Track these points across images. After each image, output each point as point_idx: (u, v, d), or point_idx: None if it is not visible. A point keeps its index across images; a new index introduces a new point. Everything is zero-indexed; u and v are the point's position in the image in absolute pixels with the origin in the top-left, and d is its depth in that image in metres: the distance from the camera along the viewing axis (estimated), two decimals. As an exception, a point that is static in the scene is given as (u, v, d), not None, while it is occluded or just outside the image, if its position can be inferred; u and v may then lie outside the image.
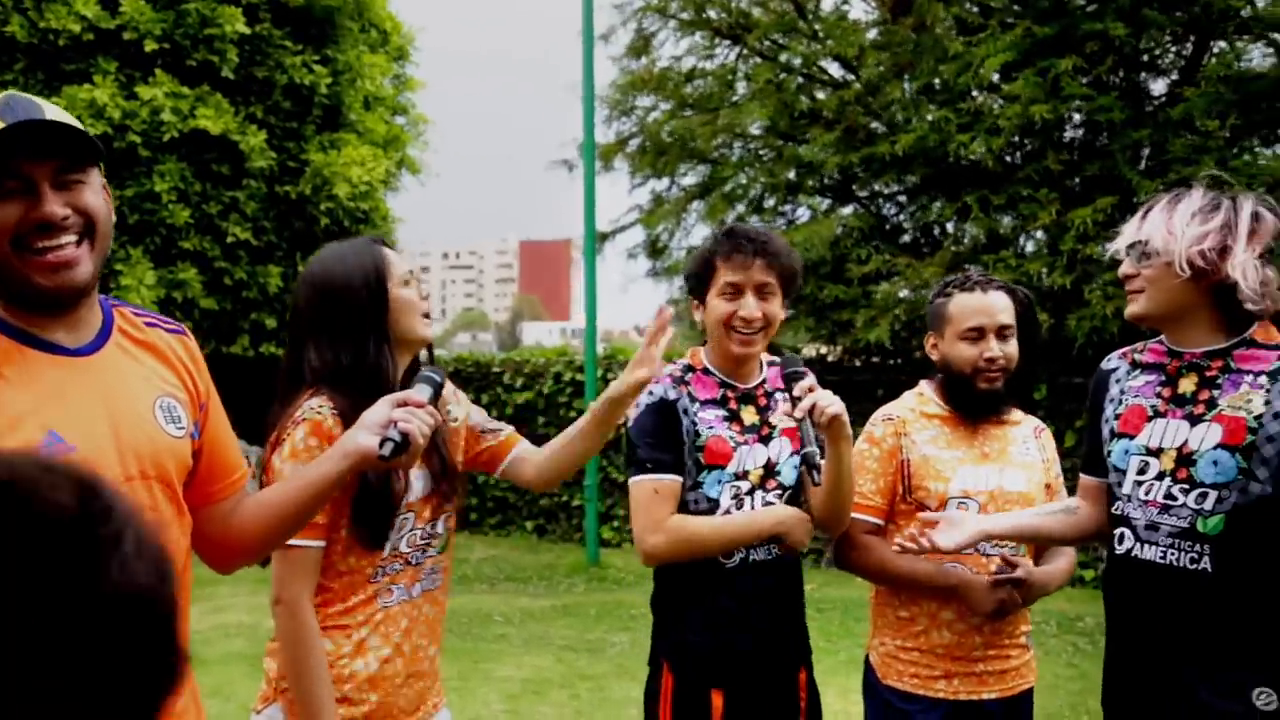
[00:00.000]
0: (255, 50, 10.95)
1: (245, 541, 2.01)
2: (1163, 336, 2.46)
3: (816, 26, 10.58)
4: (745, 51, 11.13)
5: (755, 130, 10.85)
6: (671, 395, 2.72)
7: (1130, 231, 2.42)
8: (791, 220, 11.07)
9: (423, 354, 2.53)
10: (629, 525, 2.79)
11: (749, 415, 2.77)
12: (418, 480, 2.38)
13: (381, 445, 1.91)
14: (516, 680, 6.52)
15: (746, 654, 2.70)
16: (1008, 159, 9.62)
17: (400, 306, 2.35)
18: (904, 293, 9.42)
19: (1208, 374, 2.33)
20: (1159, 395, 2.39)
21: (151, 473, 1.76)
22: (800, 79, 10.84)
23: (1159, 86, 9.91)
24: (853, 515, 2.91)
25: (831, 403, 2.53)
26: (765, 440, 2.76)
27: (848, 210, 10.89)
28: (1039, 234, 9.51)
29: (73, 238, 1.68)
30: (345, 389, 2.27)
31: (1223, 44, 9.46)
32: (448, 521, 2.49)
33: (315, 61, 11.32)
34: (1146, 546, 2.33)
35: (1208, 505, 2.26)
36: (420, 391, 2.07)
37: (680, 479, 2.69)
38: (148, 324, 1.88)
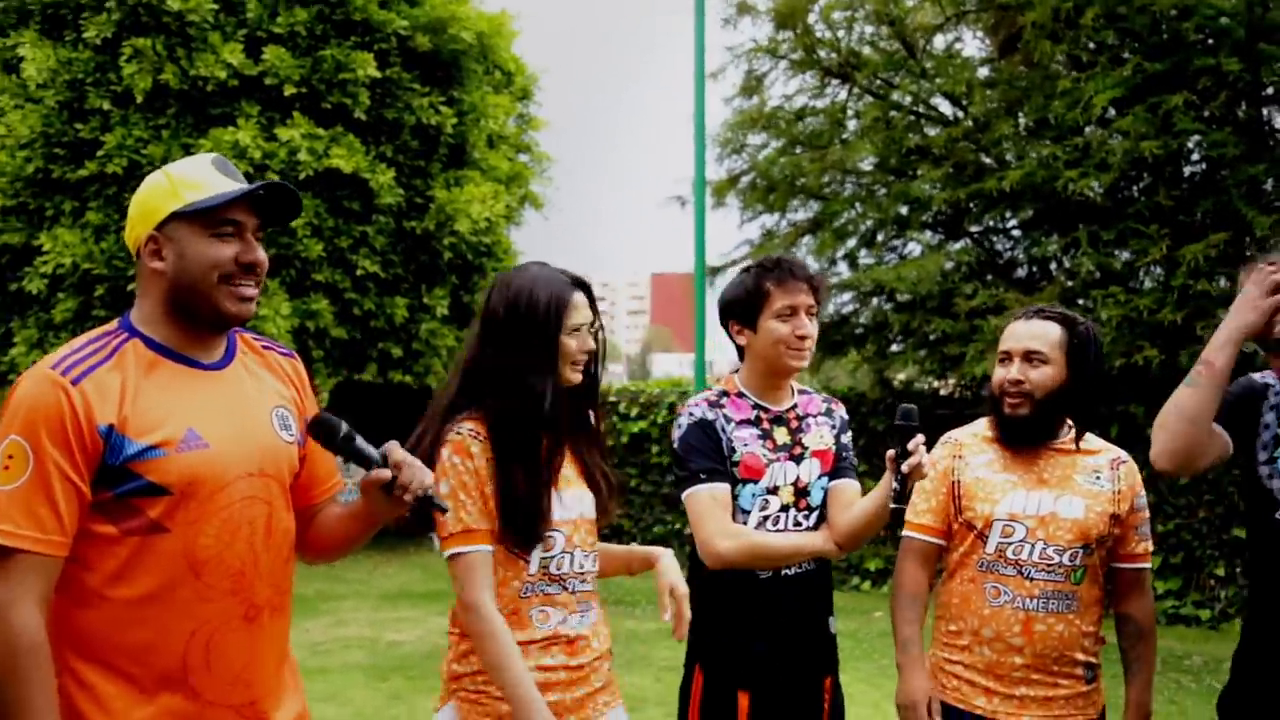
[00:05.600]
0: (386, 93, 11.48)
1: (322, 544, 2.33)
2: None
3: (926, 64, 10.65)
4: (855, 90, 11.27)
5: (865, 166, 10.96)
6: (710, 415, 2.95)
7: None
8: (903, 255, 11.13)
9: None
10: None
11: (781, 435, 2.98)
12: (573, 500, 2.55)
13: (423, 509, 2.11)
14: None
15: (771, 658, 2.88)
16: (1121, 194, 9.54)
17: (558, 350, 2.52)
18: (1012, 326, 9.37)
19: None
20: None
21: (270, 471, 2.10)
22: (910, 116, 10.93)
23: (1287, 121, 9.73)
24: (905, 533, 3.06)
25: (929, 462, 2.63)
26: (797, 460, 2.95)
27: (958, 245, 10.90)
28: (1157, 269, 9.40)
29: (257, 279, 2.08)
30: (501, 398, 2.47)
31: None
32: (592, 558, 2.63)
33: (442, 102, 11.83)
34: None
35: None
36: (369, 452, 2.10)
37: (729, 488, 2.89)
38: (264, 347, 2.25)
